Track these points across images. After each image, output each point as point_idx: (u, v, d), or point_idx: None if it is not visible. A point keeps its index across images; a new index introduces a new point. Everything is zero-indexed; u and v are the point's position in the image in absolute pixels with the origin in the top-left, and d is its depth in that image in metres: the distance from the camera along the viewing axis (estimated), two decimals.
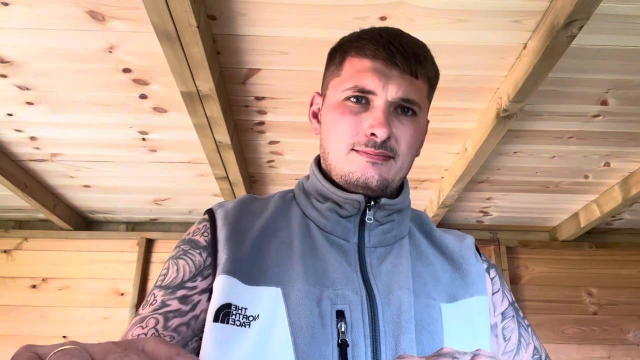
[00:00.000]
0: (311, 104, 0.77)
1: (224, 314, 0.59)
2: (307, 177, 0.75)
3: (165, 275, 0.66)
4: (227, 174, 1.91)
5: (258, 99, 1.58)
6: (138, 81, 1.48)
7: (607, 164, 1.96)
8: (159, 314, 0.61)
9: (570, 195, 2.26)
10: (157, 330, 0.59)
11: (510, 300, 0.75)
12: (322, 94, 0.74)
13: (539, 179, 2.11)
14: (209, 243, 0.67)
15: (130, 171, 2.07)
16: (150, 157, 1.96)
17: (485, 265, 0.75)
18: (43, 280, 2.52)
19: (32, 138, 1.82)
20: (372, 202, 0.68)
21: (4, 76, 1.46)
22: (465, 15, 1.23)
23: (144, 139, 1.82)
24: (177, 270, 0.65)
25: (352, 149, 0.65)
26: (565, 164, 1.97)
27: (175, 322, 0.61)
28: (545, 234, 2.71)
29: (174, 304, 0.62)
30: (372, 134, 0.64)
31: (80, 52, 1.36)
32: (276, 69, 1.43)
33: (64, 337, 2.42)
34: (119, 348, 0.31)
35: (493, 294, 0.73)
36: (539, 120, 1.67)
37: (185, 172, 2.08)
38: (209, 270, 0.65)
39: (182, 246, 0.68)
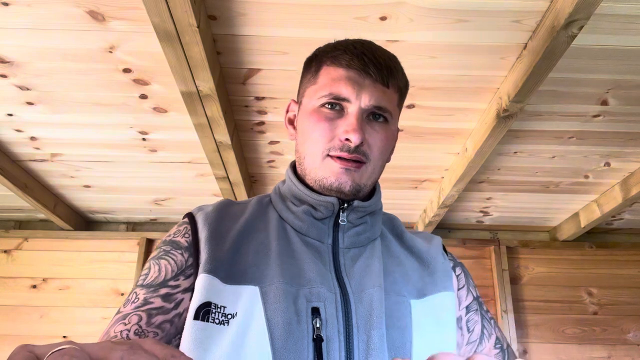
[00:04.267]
0: (287, 111, 0.80)
1: (204, 312, 0.61)
2: (284, 181, 0.79)
3: (147, 274, 0.67)
4: (227, 174, 1.91)
5: (258, 99, 1.58)
6: (138, 81, 1.48)
7: (607, 164, 1.96)
8: (142, 310, 0.62)
9: (570, 195, 2.26)
10: (140, 327, 0.60)
11: (475, 295, 0.79)
12: (298, 101, 0.77)
13: (539, 179, 2.11)
14: (190, 244, 0.69)
15: (130, 171, 2.07)
16: (150, 157, 1.96)
17: (451, 264, 0.80)
18: (43, 280, 2.52)
19: (32, 138, 1.82)
20: (346, 205, 0.71)
21: (4, 76, 1.46)
22: (465, 15, 1.23)
23: (144, 139, 1.82)
24: (159, 269, 0.67)
25: (328, 155, 0.69)
26: (565, 164, 1.97)
27: (158, 319, 0.62)
28: (546, 234, 2.71)
29: (157, 302, 0.63)
30: (347, 139, 0.67)
31: (80, 52, 1.36)
32: (276, 69, 1.43)
33: (64, 337, 2.42)
34: (122, 346, 0.31)
35: (458, 289, 0.78)
36: (539, 120, 1.68)
37: (185, 172, 2.08)
38: (191, 269, 0.67)
39: (163, 247, 0.70)
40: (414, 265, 0.76)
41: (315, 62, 0.74)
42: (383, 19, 1.24)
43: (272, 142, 1.86)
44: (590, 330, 2.49)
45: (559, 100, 1.56)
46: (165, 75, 1.42)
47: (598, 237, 2.66)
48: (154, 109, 1.62)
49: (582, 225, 2.39)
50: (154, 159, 1.97)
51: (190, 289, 0.65)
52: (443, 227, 2.63)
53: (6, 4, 1.20)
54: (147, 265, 0.69)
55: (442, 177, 2.11)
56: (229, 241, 0.69)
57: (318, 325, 0.62)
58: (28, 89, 1.52)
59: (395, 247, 0.77)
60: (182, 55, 1.21)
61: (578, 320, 2.51)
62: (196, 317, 0.61)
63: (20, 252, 2.56)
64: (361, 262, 0.71)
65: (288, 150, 1.91)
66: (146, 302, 0.63)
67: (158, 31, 1.13)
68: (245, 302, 0.62)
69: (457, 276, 0.79)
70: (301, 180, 0.74)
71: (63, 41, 1.32)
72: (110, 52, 1.36)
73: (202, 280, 0.63)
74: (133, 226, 2.66)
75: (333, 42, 0.75)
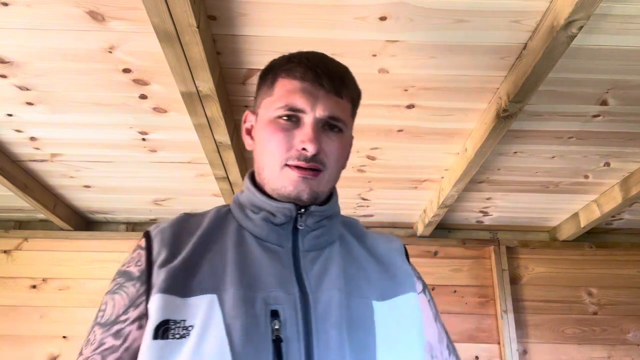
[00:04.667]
0: (244, 121, 0.83)
1: (163, 330, 0.63)
2: (242, 191, 0.81)
3: (104, 311, 0.71)
4: (227, 174, 1.91)
5: None
6: (138, 81, 1.48)
7: (607, 164, 1.96)
8: (98, 352, 0.66)
9: (570, 195, 2.26)
10: None
11: (434, 312, 0.83)
12: (255, 112, 0.80)
13: (539, 179, 2.11)
14: (143, 271, 0.71)
15: (130, 171, 2.07)
16: (150, 157, 1.96)
17: (414, 271, 0.82)
18: (43, 280, 2.52)
19: (32, 138, 1.82)
20: (303, 210, 0.74)
21: (4, 76, 1.46)
22: (465, 15, 1.23)
23: (144, 139, 1.82)
24: (113, 306, 0.70)
25: (286, 164, 0.72)
26: (565, 164, 1.98)
27: (110, 358, 0.66)
28: (545, 234, 2.71)
29: (109, 341, 0.67)
30: (304, 149, 0.70)
31: (80, 52, 1.36)
32: None
33: (64, 337, 2.42)
34: None
35: (418, 293, 0.80)
36: (539, 120, 1.68)
37: (185, 172, 2.08)
38: (142, 297, 0.69)
39: (117, 279, 0.73)
40: (375, 267, 0.78)
41: (270, 75, 0.77)
42: (383, 19, 1.24)
43: None
44: (590, 331, 2.49)
45: (559, 100, 1.56)
46: (165, 75, 1.42)
47: (598, 237, 2.66)
48: (154, 109, 1.62)
49: (582, 225, 2.39)
50: (154, 159, 1.97)
51: (139, 317, 0.67)
52: (443, 227, 2.63)
53: (6, 4, 1.20)
54: (103, 299, 0.72)
55: (442, 177, 2.11)
56: (185, 256, 0.70)
57: (277, 327, 0.64)
58: (28, 89, 1.52)
59: (356, 250, 0.80)
60: (182, 55, 1.21)
61: (578, 320, 2.51)
62: (155, 337, 0.63)
63: (20, 252, 2.56)
64: (320, 264, 0.73)
65: None
66: (101, 343, 0.67)
67: (158, 31, 1.13)
68: (204, 311, 0.64)
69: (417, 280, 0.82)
70: (259, 188, 0.77)
71: (63, 41, 1.32)
72: (110, 52, 1.36)
73: (157, 300, 0.65)
74: (133, 226, 2.66)
75: (287, 54, 0.79)
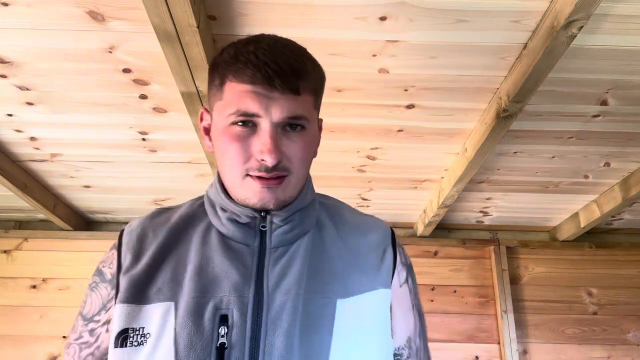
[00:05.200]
0: (200, 120, 0.77)
1: (122, 338, 0.65)
2: (211, 186, 0.78)
3: (85, 303, 0.75)
4: None
5: None
6: (138, 81, 1.48)
7: (607, 164, 1.96)
8: (77, 343, 0.74)
9: (570, 195, 2.26)
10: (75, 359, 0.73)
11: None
12: (210, 112, 0.74)
13: (539, 179, 2.11)
14: (114, 275, 0.72)
15: (130, 171, 2.07)
16: (150, 157, 1.96)
17: (399, 258, 0.78)
18: (43, 280, 2.52)
19: (32, 138, 1.82)
20: (262, 214, 0.71)
21: (4, 76, 1.46)
22: (465, 15, 1.23)
23: (144, 139, 1.82)
24: (91, 302, 0.74)
25: (247, 174, 0.67)
26: (565, 164, 1.98)
27: (85, 352, 0.73)
28: (545, 234, 2.71)
29: (85, 336, 0.73)
30: (263, 160, 0.65)
31: (80, 52, 1.36)
32: None
33: (63, 337, 2.42)
34: None
35: (400, 285, 0.77)
36: (539, 120, 1.68)
37: (185, 172, 2.08)
38: (111, 302, 0.71)
39: (95, 277, 0.75)
40: (347, 259, 0.73)
41: (218, 75, 0.69)
42: (383, 19, 1.24)
43: None
44: (590, 331, 2.49)
45: (559, 100, 1.56)
46: (165, 75, 1.42)
47: (598, 237, 2.66)
48: (154, 109, 1.62)
49: (582, 225, 2.39)
50: (154, 159, 1.97)
51: (109, 321, 0.70)
52: (443, 227, 2.63)
53: (6, 4, 1.20)
54: (86, 292, 0.76)
55: (442, 177, 2.11)
56: (147, 261, 0.70)
57: (223, 333, 0.62)
58: (28, 89, 1.52)
59: (329, 239, 0.75)
60: (181, 55, 1.21)
61: (578, 320, 2.51)
62: (116, 345, 0.64)
63: (20, 252, 2.56)
64: (284, 262, 0.69)
65: None
66: (80, 335, 0.74)
67: (158, 31, 1.13)
68: (159, 319, 0.64)
69: (399, 273, 0.77)
70: (225, 189, 0.74)
71: (63, 41, 1.32)
72: (110, 52, 1.36)
73: (118, 310, 0.66)
74: None
75: (233, 47, 0.68)
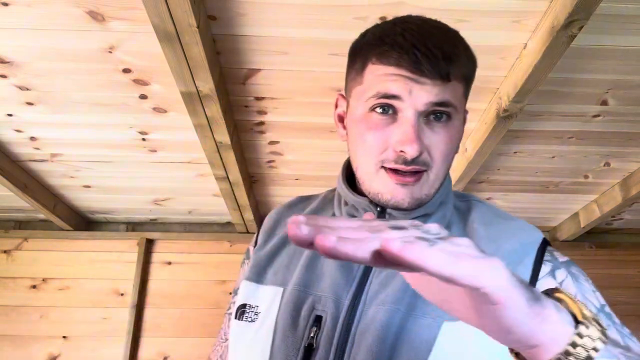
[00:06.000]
0: (336, 106, 0.73)
1: (241, 312, 0.68)
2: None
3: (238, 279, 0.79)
4: (227, 174, 1.91)
5: (258, 99, 1.58)
6: (138, 81, 1.48)
7: (607, 164, 1.96)
8: (227, 313, 0.77)
9: (570, 195, 2.26)
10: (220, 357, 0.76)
11: (598, 306, 0.61)
12: (346, 98, 0.69)
13: (539, 179, 2.11)
14: (251, 254, 0.77)
15: (130, 171, 2.07)
16: (150, 157, 1.96)
17: (548, 268, 0.63)
18: (43, 280, 2.52)
19: (32, 138, 1.81)
20: (378, 209, 0.65)
21: (4, 76, 1.46)
22: (465, 15, 1.23)
23: (144, 139, 1.82)
24: (238, 278, 0.78)
25: (382, 167, 0.61)
26: (565, 164, 1.97)
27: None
28: (545, 234, 2.70)
29: (232, 308, 0.74)
30: (402, 151, 0.58)
31: (80, 52, 1.36)
32: (276, 69, 1.43)
33: (64, 337, 2.42)
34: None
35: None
36: (539, 120, 1.67)
37: (185, 172, 2.08)
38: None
39: (244, 255, 0.80)
40: None
41: (359, 58, 0.64)
42: (383, 19, 1.24)
43: (272, 142, 1.86)
44: None
45: (559, 100, 1.56)
46: (165, 75, 1.42)
47: (598, 237, 2.66)
48: (154, 109, 1.62)
49: (582, 225, 2.39)
50: (154, 159, 1.97)
51: None
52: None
53: (6, 4, 1.20)
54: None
55: None
56: (273, 243, 0.73)
57: (312, 335, 0.61)
58: (28, 89, 1.52)
59: None
60: (181, 55, 1.21)
61: None
62: (236, 317, 0.68)
63: (20, 252, 2.56)
64: (388, 272, 0.62)
65: (288, 151, 1.91)
66: (229, 307, 0.77)
67: (158, 31, 1.13)
68: (269, 301, 0.67)
69: (561, 284, 0.62)
70: (348, 179, 0.70)
71: (63, 41, 1.32)
72: (110, 52, 1.36)
73: (242, 285, 0.71)
74: (133, 226, 2.66)
75: (379, 28, 0.63)
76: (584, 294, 0.61)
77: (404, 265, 0.32)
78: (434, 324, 0.58)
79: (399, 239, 0.32)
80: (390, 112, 0.60)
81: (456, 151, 0.65)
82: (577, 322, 0.39)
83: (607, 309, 0.61)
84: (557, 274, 0.62)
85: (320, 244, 0.32)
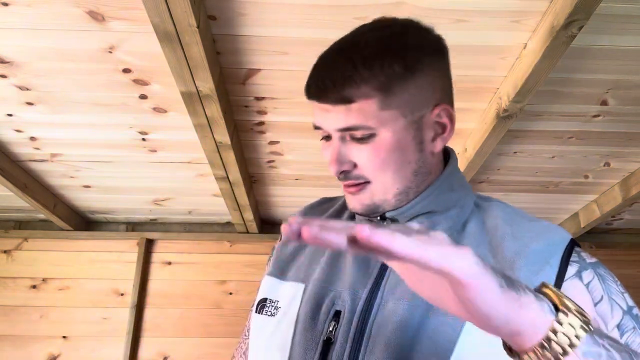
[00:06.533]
0: None
1: (261, 306, 0.71)
2: None
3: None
4: (227, 174, 1.91)
5: (258, 99, 1.58)
6: (138, 81, 1.48)
7: (607, 164, 1.96)
8: (245, 334, 0.81)
9: (570, 195, 2.26)
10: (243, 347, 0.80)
11: (625, 308, 0.60)
12: None
13: (539, 179, 2.11)
14: (277, 248, 0.80)
15: (130, 171, 2.07)
16: (150, 158, 1.96)
17: (574, 269, 0.62)
18: (43, 280, 2.52)
19: (32, 138, 1.81)
20: (379, 218, 0.68)
21: (4, 76, 1.46)
22: (465, 15, 1.23)
23: (144, 139, 1.82)
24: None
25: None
26: (565, 164, 1.98)
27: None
28: None
29: (248, 322, 0.78)
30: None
31: (80, 52, 1.36)
32: (276, 69, 1.43)
33: (64, 337, 2.42)
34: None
35: (595, 304, 0.59)
36: (539, 120, 1.68)
37: (185, 172, 2.08)
38: None
39: (271, 252, 0.82)
40: None
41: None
42: None
43: (272, 142, 1.86)
44: None
45: (559, 100, 1.56)
46: (165, 75, 1.42)
47: (598, 237, 2.66)
48: (154, 109, 1.62)
49: (582, 225, 2.39)
50: (154, 159, 1.97)
51: None
52: None
53: (6, 4, 1.20)
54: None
55: None
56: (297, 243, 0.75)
57: (331, 329, 0.63)
58: (28, 89, 1.52)
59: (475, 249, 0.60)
60: (181, 55, 1.21)
61: None
62: (256, 311, 0.72)
63: (20, 252, 2.56)
64: None
65: (288, 151, 1.91)
66: (247, 326, 0.80)
67: (158, 31, 1.13)
68: (290, 296, 0.69)
69: (586, 286, 0.61)
70: None
71: (63, 41, 1.32)
72: (110, 52, 1.36)
73: (264, 280, 0.74)
74: (133, 226, 2.66)
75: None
76: (611, 295, 0.61)
77: (374, 249, 0.35)
78: (456, 324, 0.57)
79: (370, 226, 0.35)
80: (326, 137, 0.66)
81: (398, 161, 0.62)
82: (558, 310, 0.40)
83: (636, 310, 0.60)
84: (583, 275, 0.62)
85: (306, 232, 0.36)
